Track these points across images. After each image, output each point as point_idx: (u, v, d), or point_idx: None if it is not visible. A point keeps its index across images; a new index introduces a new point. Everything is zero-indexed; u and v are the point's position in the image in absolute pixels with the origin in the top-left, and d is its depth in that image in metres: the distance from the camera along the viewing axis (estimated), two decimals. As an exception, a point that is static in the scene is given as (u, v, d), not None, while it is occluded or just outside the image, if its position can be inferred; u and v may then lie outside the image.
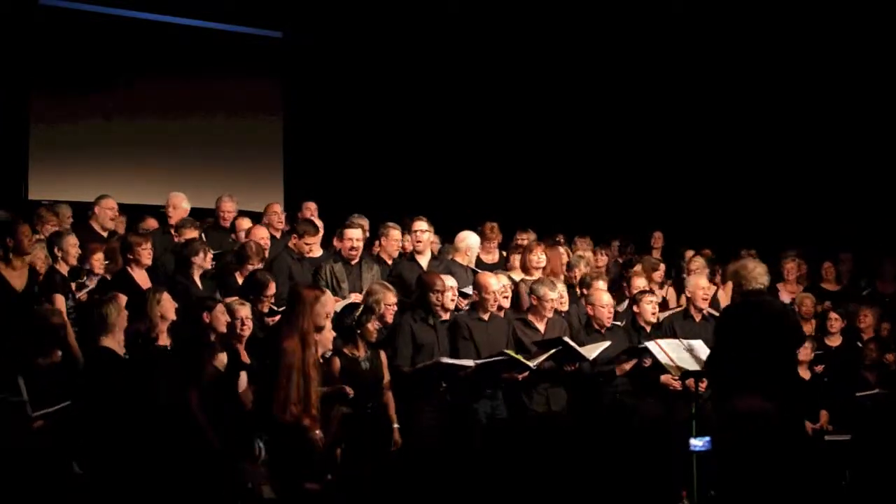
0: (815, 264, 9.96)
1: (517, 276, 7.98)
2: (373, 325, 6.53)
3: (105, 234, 8.08)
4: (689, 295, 7.81)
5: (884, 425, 7.83)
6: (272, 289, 6.97)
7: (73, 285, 6.88)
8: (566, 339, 6.95)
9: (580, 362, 7.09)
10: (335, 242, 7.92)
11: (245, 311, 6.39)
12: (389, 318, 6.94)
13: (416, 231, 7.87)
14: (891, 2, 10.52)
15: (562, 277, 8.22)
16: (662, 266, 9.16)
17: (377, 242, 8.17)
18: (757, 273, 6.09)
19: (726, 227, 11.16)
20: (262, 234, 8.13)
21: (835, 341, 8.60)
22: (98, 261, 7.21)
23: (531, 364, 6.86)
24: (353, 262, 7.62)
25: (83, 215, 8.38)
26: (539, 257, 8.02)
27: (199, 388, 5.93)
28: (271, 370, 5.82)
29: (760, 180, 11.89)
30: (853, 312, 8.70)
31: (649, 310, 7.56)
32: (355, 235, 7.70)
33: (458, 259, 8.02)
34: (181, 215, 8.44)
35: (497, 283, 7.15)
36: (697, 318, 7.69)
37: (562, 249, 8.70)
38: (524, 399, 7.08)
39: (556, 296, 7.30)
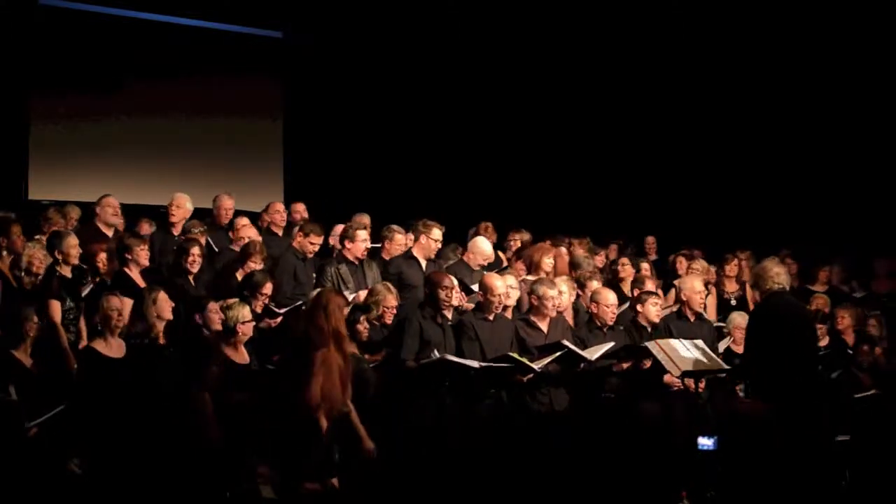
0: (807, 265, 9.97)
1: (518, 276, 7.98)
2: (362, 326, 6.52)
3: (110, 233, 8.10)
4: (684, 297, 7.81)
5: (882, 425, 7.84)
6: (268, 288, 6.98)
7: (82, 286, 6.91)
8: (566, 342, 6.95)
9: (582, 364, 7.09)
10: (347, 244, 7.88)
11: (246, 311, 6.40)
12: (388, 320, 6.97)
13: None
14: (891, 2, 10.53)
15: (565, 278, 8.21)
16: (645, 266, 9.15)
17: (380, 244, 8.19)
18: (775, 273, 6.14)
19: (719, 228, 11.17)
20: (251, 234, 8.14)
21: (822, 342, 8.61)
22: (101, 261, 7.19)
23: (535, 367, 6.86)
24: (357, 263, 7.65)
25: (85, 216, 8.39)
26: (550, 260, 8.01)
27: (205, 387, 5.94)
28: (299, 372, 5.78)
29: (753, 181, 11.90)
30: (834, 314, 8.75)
31: (653, 311, 7.58)
32: (365, 236, 7.74)
33: (470, 263, 8.04)
34: (184, 215, 8.45)
35: (503, 285, 7.16)
36: (692, 318, 7.71)
37: (565, 250, 8.70)
38: (526, 399, 7.08)
39: (556, 294, 7.30)
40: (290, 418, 5.76)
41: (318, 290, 6.51)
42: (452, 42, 12.32)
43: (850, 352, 8.42)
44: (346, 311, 6.19)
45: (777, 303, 6.16)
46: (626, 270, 8.88)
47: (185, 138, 11.77)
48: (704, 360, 6.83)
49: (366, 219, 8.80)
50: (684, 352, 6.82)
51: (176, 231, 8.40)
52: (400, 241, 8.02)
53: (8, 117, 10.76)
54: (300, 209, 9.49)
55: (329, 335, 5.81)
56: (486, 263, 8.16)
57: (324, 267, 7.67)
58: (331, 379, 5.77)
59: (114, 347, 6.06)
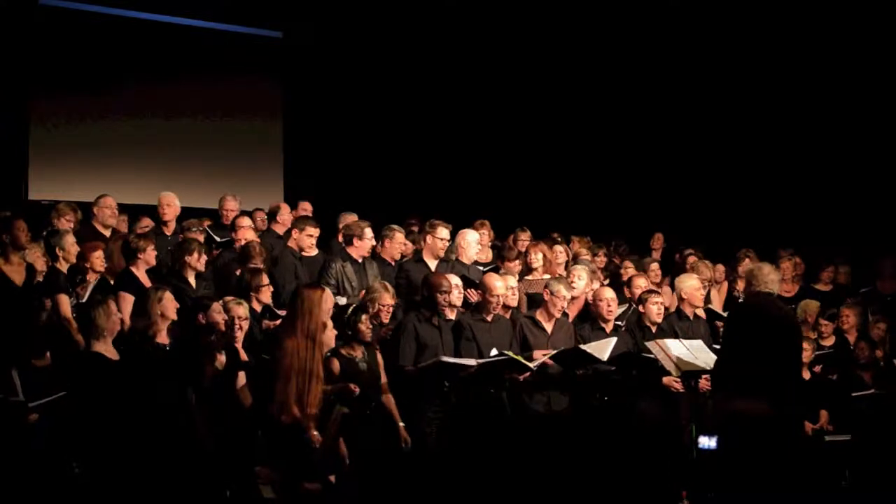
0: (813, 264, 9.96)
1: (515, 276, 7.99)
2: (365, 325, 6.51)
3: (108, 234, 8.08)
4: (684, 296, 7.81)
5: (882, 425, 7.84)
6: (265, 280, 6.97)
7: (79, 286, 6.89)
8: (584, 347, 6.96)
9: (592, 364, 7.08)
10: (355, 243, 7.88)
11: (242, 310, 6.40)
12: (385, 318, 6.96)
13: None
14: (891, 1, 10.53)
15: (584, 267, 8.20)
16: (654, 266, 9.14)
17: (380, 243, 8.17)
18: (770, 278, 6.16)
19: (724, 227, 11.17)
20: (250, 235, 8.15)
21: (829, 341, 8.63)
22: (98, 258, 7.16)
23: (531, 365, 6.86)
24: (360, 262, 7.68)
25: (84, 216, 8.38)
26: (536, 257, 8.04)
27: (197, 387, 5.94)
28: (271, 370, 5.83)
29: (759, 180, 11.89)
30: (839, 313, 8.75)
31: (655, 310, 7.58)
32: (372, 235, 7.80)
33: (462, 258, 8.04)
34: (175, 213, 8.45)
35: (503, 285, 7.15)
36: (692, 317, 7.74)
37: (560, 248, 8.69)
38: (525, 399, 7.08)
39: (569, 296, 7.31)
40: (272, 422, 5.76)
41: (297, 287, 6.47)
42: (452, 42, 12.32)
43: (852, 349, 8.43)
44: (328, 303, 6.16)
45: (766, 303, 6.15)
46: (630, 272, 8.84)
47: (185, 138, 11.76)
48: (705, 359, 6.82)
49: (354, 218, 8.81)
50: (684, 352, 6.82)
51: (168, 231, 8.39)
52: (400, 239, 8.01)
53: (8, 117, 10.76)
54: (306, 207, 9.48)
55: (303, 333, 5.81)
56: (476, 252, 8.17)
57: (329, 263, 7.66)
58: (296, 380, 5.75)
59: (111, 350, 6.06)
